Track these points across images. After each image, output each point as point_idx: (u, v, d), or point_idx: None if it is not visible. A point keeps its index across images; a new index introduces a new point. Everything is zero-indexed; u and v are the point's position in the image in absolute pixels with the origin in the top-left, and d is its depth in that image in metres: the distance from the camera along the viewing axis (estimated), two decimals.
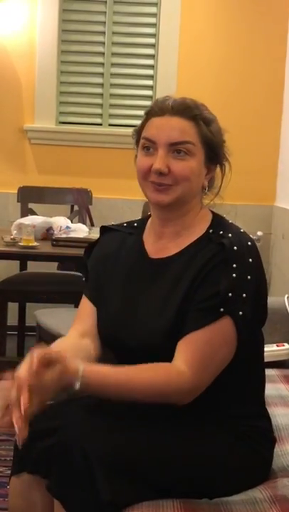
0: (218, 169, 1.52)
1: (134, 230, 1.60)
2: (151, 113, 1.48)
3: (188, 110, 1.45)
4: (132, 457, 1.34)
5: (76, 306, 1.63)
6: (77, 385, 1.30)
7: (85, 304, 1.57)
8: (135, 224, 1.62)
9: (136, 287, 1.51)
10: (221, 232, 1.46)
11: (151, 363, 1.37)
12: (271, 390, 1.95)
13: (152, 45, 4.18)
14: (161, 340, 1.40)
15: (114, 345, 1.54)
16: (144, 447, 1.36)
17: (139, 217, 1.68)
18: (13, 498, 1.35)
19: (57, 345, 1.45)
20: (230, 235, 1.44)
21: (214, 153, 1.47)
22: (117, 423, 1.34)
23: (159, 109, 1.46)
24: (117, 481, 1.30)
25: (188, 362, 1.37)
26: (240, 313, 1.39)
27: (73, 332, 1.54)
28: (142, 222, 1.61)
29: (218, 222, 1.51)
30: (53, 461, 1.29)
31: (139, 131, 1.50)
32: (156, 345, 1.40)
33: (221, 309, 1.38)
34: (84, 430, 1.31)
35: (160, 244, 1.53)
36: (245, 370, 1.49)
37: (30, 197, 3.85)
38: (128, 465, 1.33)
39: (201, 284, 1.41)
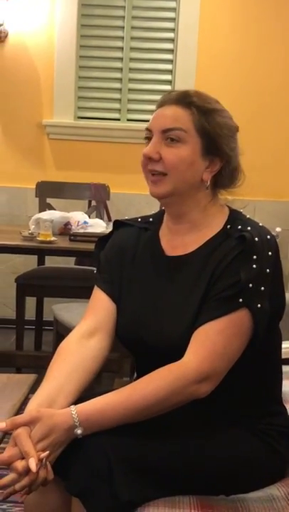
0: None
1: (150, 225, 1.58)
2: (157, 105, 1.49)
3: (185, 98, 1.44)
4: (151, 457, 1.32)
5: None
6: (79, 432, 1.28)
7: (99, 296, 1.54)
8: (150, 219, 1.60)
9: (154, 286, 1.49)
10: (240, 227, 1.44)
11: (172, 362, 1.35)
12: (288, 387, 1.93)
13: (171, 40, 4.17)
14: (183, 339, 1.38)
15: (135, 346, 1.52)
16: (162, 447, 1.34)
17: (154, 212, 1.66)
18: (29, 494, 1.35)
19: (48, 382, 1.39)
20: (249, 228, 1.43)
21: (213, 144, 1.43)
22: (136, 424, 1.32)
23: (161, 101, 1.47)
24: (136, 480, 1.29)
25: (194, 352, 1.35)
26: (259, 305, 1.37)
27: (78, 331, 1.49)
28: (158, 217, 1.59)
29: (235, 217, 1.49)
30: (72, 462, 1.29)
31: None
32: (178, 344, 1.38)
33: (240, 300, 1.36)
34: (106, 434, 1.29)
35: (176, 241, 1.51)
36: (262, 368, 1.47)
37: (48, 192, 3.86)
38: (146, 464, 1.31)
39: (221, 275, 1.40)
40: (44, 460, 1.23)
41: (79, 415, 1.28)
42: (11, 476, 1.23)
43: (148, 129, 1.46)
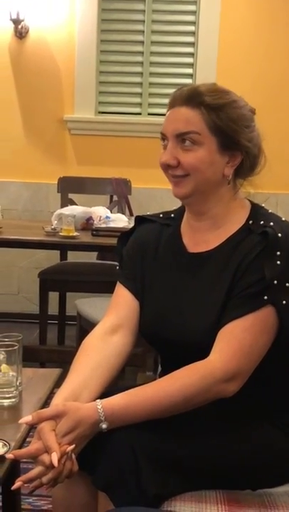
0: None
1: (171, 221, 1.57)
2: (168, 105, 1.46)
3: (194, 98, 1.40)
4: (177, 452, 1.33)
5: None
6: (104, 426, 1.28)
7: (122, 292, 1.54)
8: (172, 215, 1.59)
9: (177, 283, 1.49)
10: (262, 222, 1.43)
11: (197, 360, 1.35)
12: None
13: (192, 33, 4.15)
14: (208, 336, 1.38)
15: (158, 342, 1.52)
16: (188, 441, 1.34)
17: (176, 207, 1.65)
18: (57, 488, 1.35)
19: (73, 378, 1.40)
20: (271, 223, 1.41)
21: (230, 140, 1.41)
22: (163, 424, 1.33)
23: (172, 100, 1.44)
24: (162, 474, 1.29)
25: (221, 351, 1.34)
26: (284, 302, 1.36)
27: (102, 327, 1.50)
28: (180, 212, 1.58)
29: (257, 212, 1.48)
30: (98, 457, 1.30)
31: None
32: (202, 341, 1.38)
33: (265, 297, 1.35)
34: (132, 429, 1.30)
35: (198, 238, 1.50)
36: (287, 364, 1.46)
37: (70, 187, 3.87)
38: (173, 459, 1.32)
39: (244, 272, 1.39)
40: (70, 453, 1.24)
41: (104, 410, 1.28)
42: (37, 470, 1.24)
43: (162, 134, 1.44)
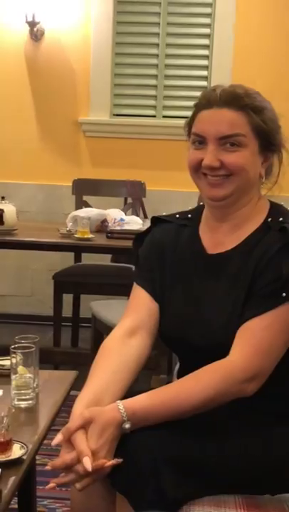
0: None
1: (189, 221, 1.56)
2: (199, 106, 1.44)
3: (237, 100, 1.39)
4: (196, 455, 1.32)
5: (129, 297, 1.59)
6: (127, 426, 1.28)
7: (139, 294, 1.53)
8: (189, 215, 1.58)
9: (197, 285, 1.48)
10: (281, 219, 1.42)
11: (216, 361, 1.34)
12: None
13: (207, 36, 4.14)
14: (229, 337, 1.37)
15: (178, 345, 1.51)
16: (208, 446, 1.33)
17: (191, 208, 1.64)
18: (75, 490, 1.35)
19: (94, 381, 1.39)
20: None
21: (269, 141, 1.42)
22: (181, 423, 1.32)
23: (206, 102, 1.41)
24: (182, 478, 1.28)
25: (241, 350, 1.34)
26: None
27: (121, 329, 1.49)
28: (197, 212, 1.57)
29: (276, 210, 1.48)
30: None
31: (189, 124, 1.47)
32: (224, 342, 1.37)
33: (284, 294, 1.34)
34: (152, 432, 1.30)
35: (217, 239, 1.49)
36: None
37: (84, 189, 3.87)
38: (193, 462, 1.31)
39: (263, 270, 1.38)
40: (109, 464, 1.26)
41: (126, 410, 1.28)
42: (69, 477, 1.26)
43: (199, 135, 1.42)
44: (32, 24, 4.08)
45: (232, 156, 1.39)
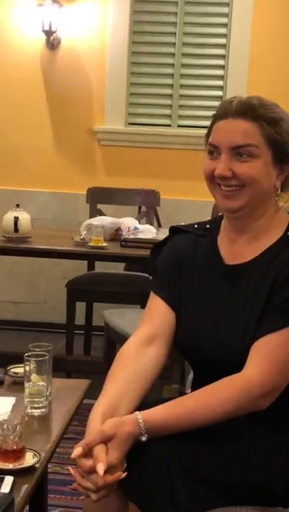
0: None
1: (207, 232, 1.56)
2: (216, 116, 1.44)
3: (251, 111, 1.39)
4: (210, 466, 1.32)
5: (143, 307, 1.60)
6: (144, 438, 1.29)
7: (157, 302, 1.53)
8: (207, 226, 1.58)
9: (214, 295, 1.47)
10: None
11: (230, 373, 1.35)
12: None
13: (223, 46, 4.15)
14: (244, 350, 1.37)
15: (193, 355, 1.51)
16: (222, 458, 1.33)
17: (209, 218, 1.64)
18: (87, 499, 1.35)
19: (110, 390, 1.39)
20: None
21: (283, 153, 1.42)
22: (197, 436, 1.32)
23: (222, 112, 1.42)
24: (196, 488, 1.28)
25: (257, 366, 1.34)
26: None
27: (137, 338, 1.49)
28: (215, 223, 1.57)
29: None
30: (132, 468, 1.29)
31: (207, 135, 1.47)
32: (238, 354, 1.37)
33: None
34: (167, 442, 1.30)
35: (235, 250, 1.49)
36: None
37: (98, 198, 3.88)
38: (206, 474, 1.31)
39: (281, 286, 1.38)
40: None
41: (145, 423, 1.29)
42: (88, 485, 1.26)
43: (213, 145, 1.43)
44: (48, 33, 4.12)
45: (244, 167, 1.39)
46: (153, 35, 4.21)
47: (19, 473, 1.31)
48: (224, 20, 4.13)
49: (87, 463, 1.26)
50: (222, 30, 4.15)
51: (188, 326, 1.49)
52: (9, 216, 3.15)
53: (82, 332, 3.69)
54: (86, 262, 3.78)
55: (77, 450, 1.28)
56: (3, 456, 1.34)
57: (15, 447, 1.34)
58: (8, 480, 1.27)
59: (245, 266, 1.46)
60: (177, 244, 1.57)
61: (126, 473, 1.27)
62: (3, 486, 1.25)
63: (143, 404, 1.38)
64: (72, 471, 1.30)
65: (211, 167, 1.43)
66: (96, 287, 3.51)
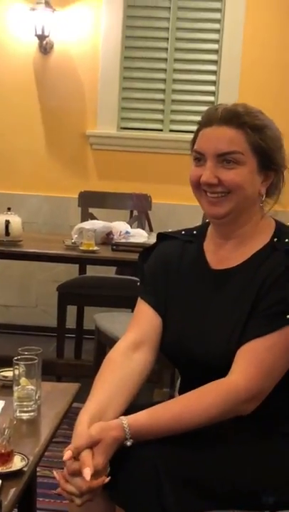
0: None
1: (194, 238, 1.57)
2: (201, 123, 1.45)
3: (236, 118, 1.40)
4: (198, 471, 1.32)
5: (133, 311, 1.60)
6: (129, 443, 1.29)
7: (144, 308, 1.54)
8: (194, 232, 1.59)
9: (200, 300, 1.48)
10: (287, 240, 1.43)
11: (217, 377, 1.35)
12: None
13: (215, 51, 4.17)
14: (229, 354, 1.38)
15: (180, 359, 1.52)
16: (209, 461, 1.34)
17: (197, 224, 1.65)
18: (73, 504, 1.36)
19: (98, 394, 1.40)
20: None
21: (268, 160, 1.43)
22: (184, 439, 1.33)
23: (208, 120, 1.43)
24: (183, 492, 1.29)
25: (243, 371, 1.34)
26: None
27: (125, 343, 1.49)
28: (201, 229, 1.58)
29: (282, 230, 1.48)
30: (118, 472, 1.30)
31: (192, 141, 1.48)
32: (224, 358, 1.38)
33: (287, 316, 1.35)
34: (154, 446, 1.31)
35: (221, 255, 1.50)
36: None
37: (90, 202, 3.89)
38: (193, 477, 1.31)
39: (267, 291, 1.39)
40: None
41: (130, 428, 1.30)
42: (73, 489, 1.27)
43: (199, 152, 1.43)
44: (41, 37, 4.12)
45: (229, 174, 1.40)
46: (145, 40, 4.22)
47: (7, 477, 1.30)
48: (216, 26, 4.15)
49: (73, 466, 1.27)
50: (214, 36, 4.16)
51: (174, 330, 1.50)
52: (0, 219, 3.14)
53: (73, 336, 3.69)
54: (77, 265, 3.78)
55: (68, 454, 1.28)
56: None
57: (3, 451, 1.34)
58: None
59: (232, 271, 1.47)
60: (164, 250, 1.58)
61: (109, 477, 1.27)
62: None
63: (132, 408, 1.38)
64: (56, 475, 1.30)
65: (197, 174, 1.44)
66: (87, 291, 3.51)
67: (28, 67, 4.23)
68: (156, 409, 1.35)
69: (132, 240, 3.23)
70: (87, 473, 1.23)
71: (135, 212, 3.91)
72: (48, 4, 4.04)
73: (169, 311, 1.52)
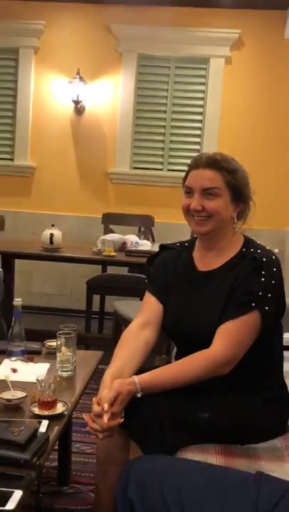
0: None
1: (185, 248, 1.58)
2: (190, 166, 1.46)
3: (216, 163, 1.41)
4: (189, 413, 1.33)
5: (141, 299, 1.60)
6: (139, 395, 1.30)
7: (150, 299, 1.54)
8: (186, 244, 1.60)
9: (191, 292, 1.49)
10: (252, 250, 1.43)
11: (202, 347, 1.36)
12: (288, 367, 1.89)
13: (200, 113, 4.17)
14: (210, 330, 1.38)
15: (176, 335, 1.53)
16: (198, 407, 1.35)
17: (188, 238, 1.65)
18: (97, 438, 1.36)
19: (117, 360, 1.41)
20: (259, 251, 1.42)
21: (238, 193, 1.43)
22: (180, 392, 1.33)
23: (195, 164, 1.44)
24: (179, 431, 1.29)
25: (221, 343, 1.35)
26: (266, 308, 1.36)
27: (136, 323, 1.50)
28: (191, 242, 1.59)
29: (249, 243, 1.48)
30: (133, 416, 1.30)
31: (184, 179, 1.49)
32: (207, 334, 1.38)
33: (253, 304, 1.35)
34: (158, 397, 1.31)
35: (205, 261, 1.50)
36: (269, 352, 1.46)
37: (110, 220, 3.88)
38: (186, 419, 1.32)
39: (239, 286, 1.39)
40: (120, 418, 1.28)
41: (140, 384, 1.30)
42: (95, 425, 1.27)
43: (188, 187, 1.44)
44: (76, 102, 4.13)
45: (211, 203, 1.41)
46: (151, 105, 4.21)
47: (52, 418, 1.31)
48: (201, 95, 4.15)
49: (97, 409, 1.27)
50: (200, 103, 4.16)
51: (171, 314, 1.50)
52: (46, 233, 3.15)
53: (97, 317, 3.68)
54: (101, 266, 3.78)
55: (105, 406, 1.28)
56: (41, 406, 1.34)
57: (49, 399, 1.35)
58: (45, 423, 1.28)
59: (213, 272, 1.47)
60: (164, 257, 1.59)
61: (123, 419, 1.27)
62: (41, 427, 1.26)
63: (141, 370, 1.39)
64: (85, 417, 1.30)
65: (187, 203, 1.44)
66: (108, 284, 3.51)
67: (66, 124, 4.23)
68: (159, 370, 1.35)
69: (140, 248, 3.22)
70: (106, 417, 1.24)
71: (142, 228, 3.90)
72: (81, 78, 4.05)
73: (168, 300, 1.52)
